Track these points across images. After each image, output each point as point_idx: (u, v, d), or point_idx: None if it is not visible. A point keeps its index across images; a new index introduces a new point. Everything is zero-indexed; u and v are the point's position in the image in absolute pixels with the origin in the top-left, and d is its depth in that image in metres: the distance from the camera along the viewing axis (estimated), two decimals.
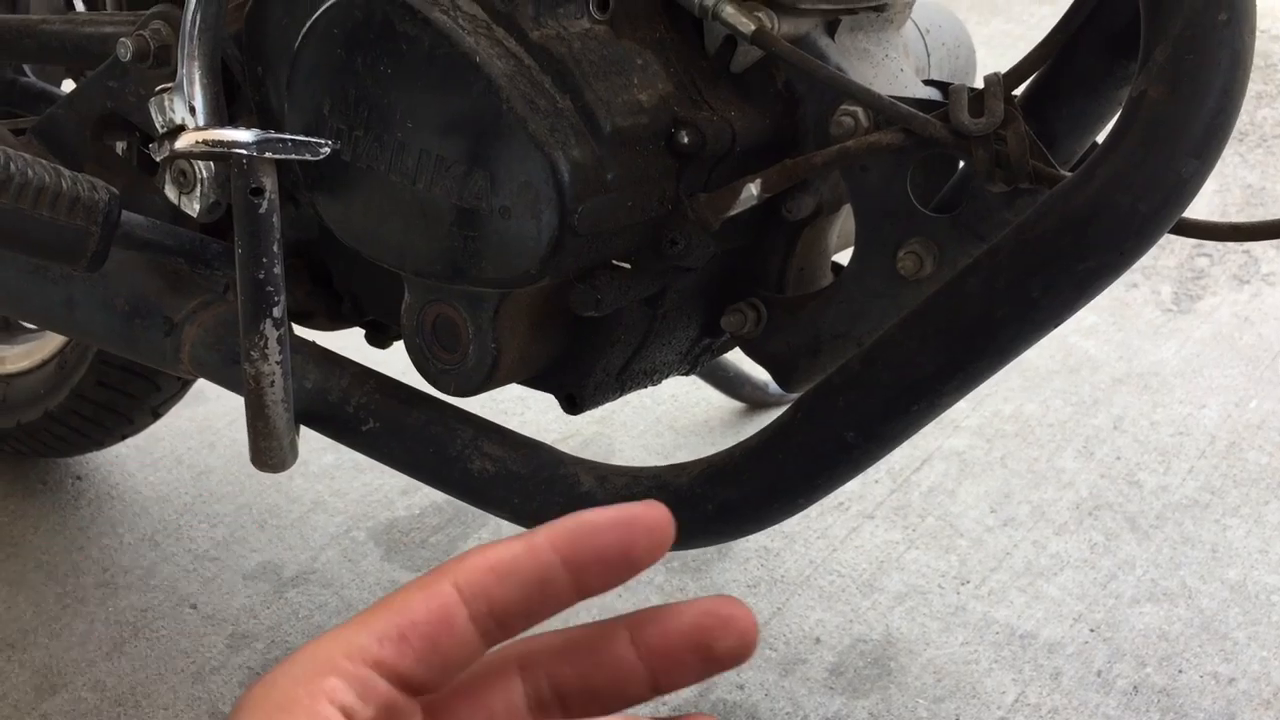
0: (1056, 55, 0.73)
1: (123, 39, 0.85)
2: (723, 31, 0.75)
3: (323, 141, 0.69)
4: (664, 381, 0.91)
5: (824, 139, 0.76)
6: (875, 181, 0.75)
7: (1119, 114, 0.64)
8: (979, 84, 0.71)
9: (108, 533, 1.35)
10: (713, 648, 0.38)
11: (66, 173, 0.73)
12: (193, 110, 0.82)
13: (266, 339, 0.71)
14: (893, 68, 0.82)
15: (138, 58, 0.86)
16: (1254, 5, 0.63)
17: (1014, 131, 0.69)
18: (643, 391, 1.46)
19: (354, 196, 0.75)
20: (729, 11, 0.72)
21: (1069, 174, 0.66)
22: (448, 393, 0.79)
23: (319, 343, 0.87)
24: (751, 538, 1.32)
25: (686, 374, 0.92)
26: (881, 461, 1.36)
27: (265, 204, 0.67)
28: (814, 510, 1.36)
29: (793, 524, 1.34)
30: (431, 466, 0.80)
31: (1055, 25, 0.73)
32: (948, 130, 0.70)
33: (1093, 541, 1.32)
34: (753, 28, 0.72)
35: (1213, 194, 2.05)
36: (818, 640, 1.20)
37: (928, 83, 0.85)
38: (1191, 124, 0.61)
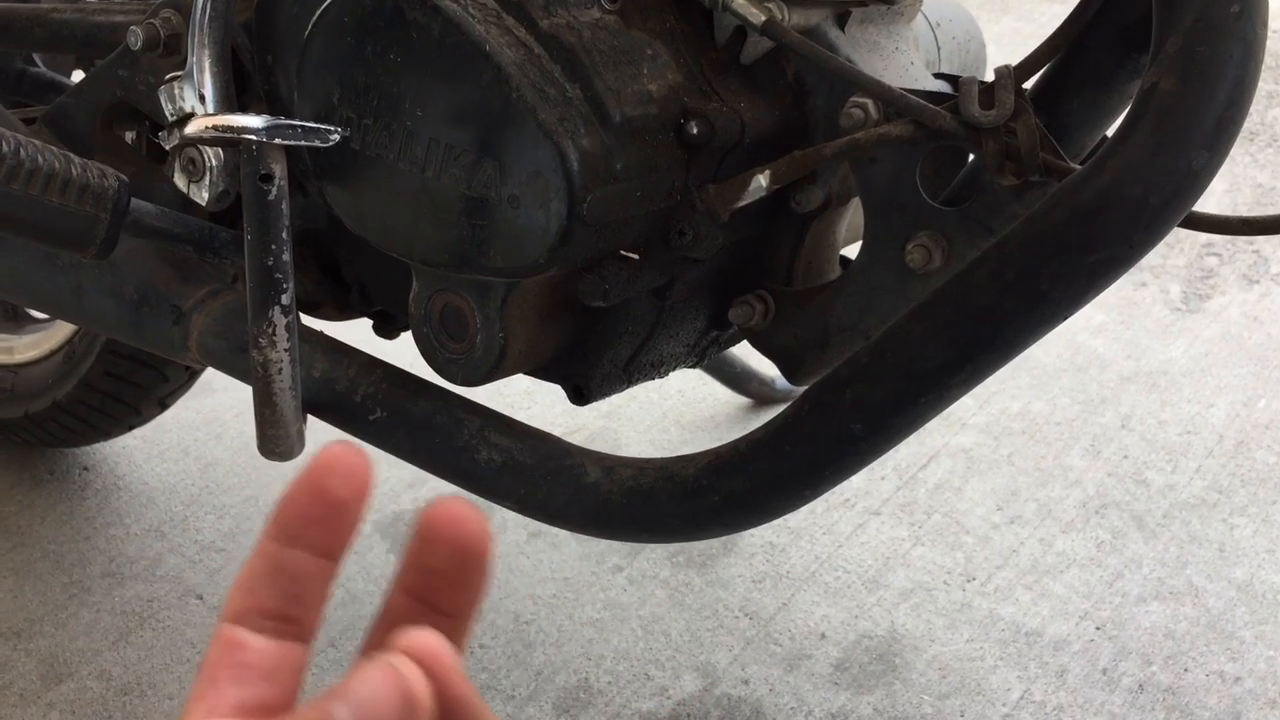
0: (1067, 48, 0.73)
1: (133, 27, 0.86)
2: (733, 22, 0.75)
3: (333, 129, 0.69)
4: (671, 375, 0.91)
5: (833, 131, 0.76)
6: (884, 174, 0.75)
7: (1130, 106, 0.63)
8: (989, 77, 0.71)
9: (115, 523, 1.36)
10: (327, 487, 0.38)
11: (76, 159, 0.73)
12: (202, 98, 0.82)
13: (275, 326, 0.71)
14: (903, 60, 0.82)
15: (148, 46, 0.86)
16: None
17: (1024, 124, 0.69)
18: (649, 386, 1.46)
19: (363, 185, 0.75)
20: (739, 2, 0.72)
21: (1079, 167, 0.66)
22: (455, 382, 0.79)
23: (327, 332, 0.88)
24: (757, 533, 1.32)
25: (694, 366, 0.92)
26: (888, 458, 1.36)
27: (275, 191, 0.67)
28: (820, 506, 1.36)
29: (798, 520, 1.34)
30: (438, 456, 0.80)
31: (1067, 18, 0.73)
32: (958, 122, 0.70)
33: (1099, 540, 1.32)
34: (763, 19, 0.72)
35: (1223, 193, 2.05)
36: (823, 636, 1.20)
37: (938, 76, 0.85)
38: (1203, 116, 0.60)
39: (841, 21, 0.79)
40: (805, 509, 1.20)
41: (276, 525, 0.39)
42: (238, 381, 0.89)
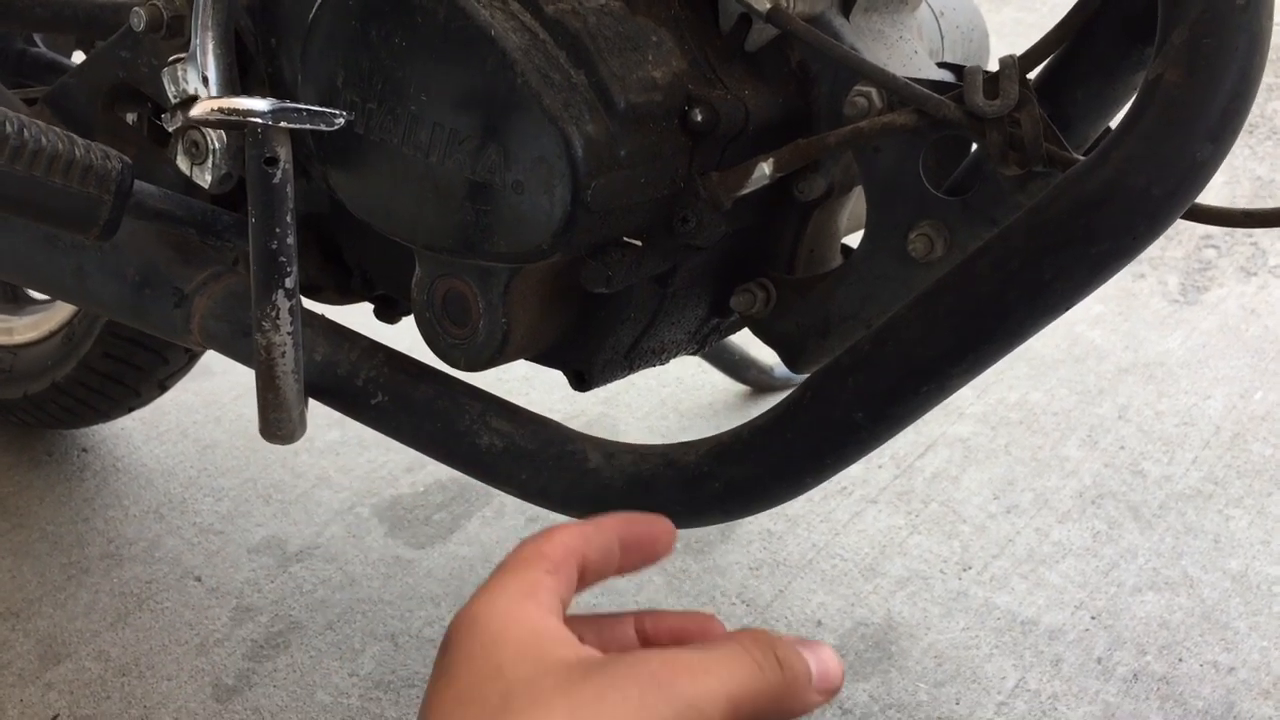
0: (1072, 38, 0.73)
1: (135, 8, 0.85)
2: (737, 9, 0.75)
3: (337, 112, 0.69)
4: (670, 362, 0.91)
5: (837, 119, 0.75)
6: (887, 163, 0.75)
7: (1135, 97, 0.63)
8: (993, 67, 0.71)
9: (113, 505, 1.36)
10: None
11: (80, 140, 0.73)
12: (206, 81, 0.82)
13: (278, 309, 0.71)
14: (907, 49, 0.82)
15: (150, 27, 0.86)
16: None
17: (1028, 114, 0.69)
18: (648, 373, 1.46)
19: (366, 169, 0.75)
20: None
21: (1082, 158, 0.66)
22: (457, 367, 0.80)
23: (328, 316, 0.88)
24: (754, 520, 1.32)
25: (694, 353, 0.92)
26: (885, 447, 1.36)
27: (279, 174, 0.67)
28: (817, 494, 1.36)
29: (796, 507, 1.34)
30: (439, 441, 0.81)
31: (1072, 8, 0.73)
32: (962, 112, 0.70)
33: (1095, 530, 1.32)
34: (768, 5, 0.72)
35: (1222, 185, 2.05)
36: (819, 623, 1.21)
37: (941, 65, 0.85)
38: (1208, 107, 0.60)
39: (846, 9, 0.79)
40: (802, 496, 1.20)
41: (622, 525, 0.54)
42: (237, 365, 0.89)
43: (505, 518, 1.33)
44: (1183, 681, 1.13)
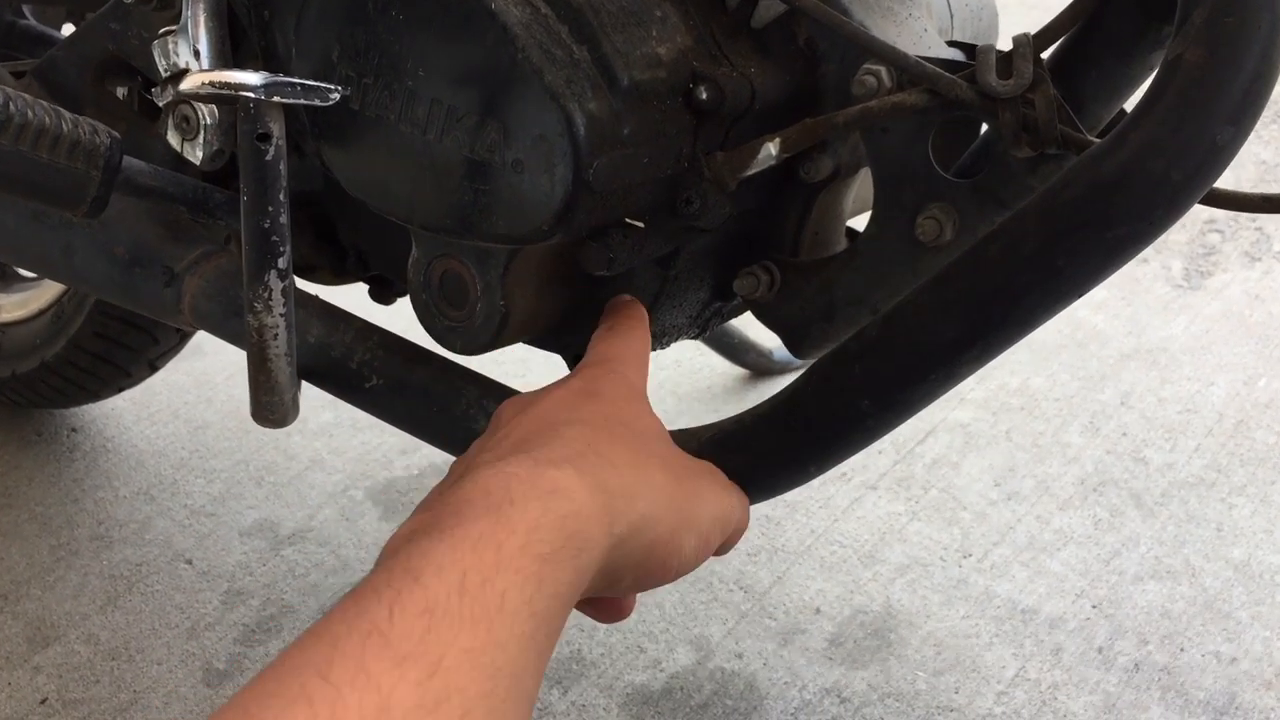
0: (1086, 17, 0.71)
1: None
2: None
3: (332, 87, 0.67)
4: (672, 344, 0.89)
5: (845, 99, 0.74)
6: (896, 144, 0.73)
7: (1153, 78, 0.62)
8: (1003, 45, 0.69)
9: (103, 485, 1.34)
10: None
11: (67, 115, 0.71)
12: (197, 54, 0.80)
13: (271, 290, 0.69)
14: (916, 27, 0.80)
15: None
16: None
17: (1042, 95, 0.67)
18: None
19: (362, 146, 0.73)
20: None
21: (1096, 140, 0.64)
22: (454, 350, 0.78)
23: (322, 297, 0.86)
24: (753, 506, 1.31)
25: (695, 337, 0.90)
26: None
27: (272, 150, 0.65)
28: (816, 480, 1.35)
29: (794, 493, 1.33)
30: (435, 425, 0.79)
31: None
32: (974, 92, 0.68)
33: (1097, 518, 1.31)
34: None
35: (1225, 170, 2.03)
36: (817, 610, 1.19)
37: (951, 44, 0.83)
38: (1229, 89, 0.59)
39: None
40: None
41: None
42: (229, 345, 0.87)
43: None
44: (1184, 672, 1.12)
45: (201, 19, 0.79)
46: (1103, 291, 1.72)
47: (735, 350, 1.47)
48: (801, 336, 0.82)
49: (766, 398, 0.73)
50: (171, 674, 1.11)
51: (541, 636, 0.49)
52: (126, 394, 1.40)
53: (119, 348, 1.24)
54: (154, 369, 1.31)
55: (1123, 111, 0.75)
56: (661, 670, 1.12)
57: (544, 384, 0.68)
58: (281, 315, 0.70)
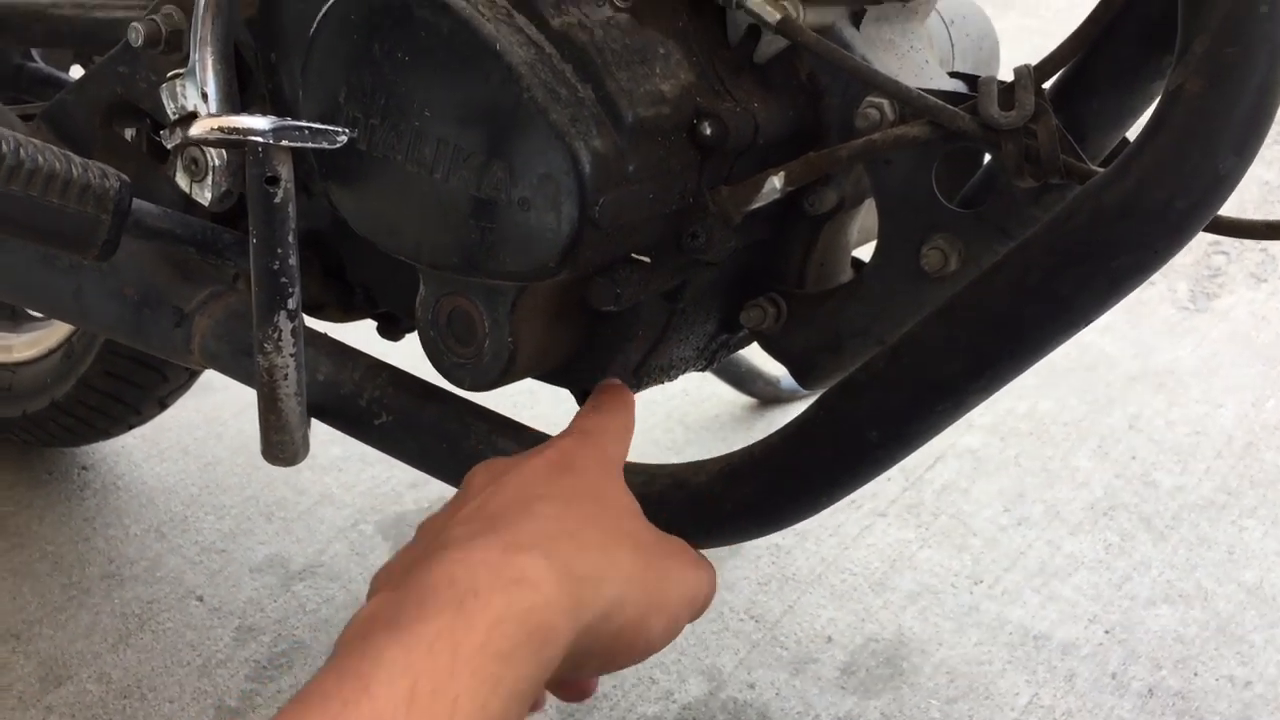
0: (1088, 47, 0.72)
1: (134, 23, 0.84)
2: (746, 20, 0.73)
3: (340, 130, 0.68)
4: (680, 377, 0.90)
5: (848, 132, 0.74)
6: (899, 175, 0.74)
7: (1155, 107, 0.62)
8: (1004, 76, 0.70)
9: (114, 524, 1.34)
10: None
11: (77, 159, 0.72)
12: (205, 97, 0.80)
13: (281, 331, 0.69)
14: (918, 59, 0.81)
15: (149, 43, 0.85)
16: None
17: (1044, 125, 0.67)
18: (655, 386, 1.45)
19: (369, 186, 0.73)
20: (754, 1, 0.71)
21: (1099, 169, 0.65)
22: (462, 387, 0.78)
23: (330, 334, 0.86)
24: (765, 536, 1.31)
25: (703, 370, 0.91)
26: None
27: (281, 193, 0.65)
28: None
29: (804, 522, 1.33)
30: (446, 462, 0.79)
31: (1088, 16, 0.71)
32: (976, 123, 0.68)
33: (1108, 542, 1.31)
34: (778, 17, 0.71)
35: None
36: (829, 639, 1.19)
37: (953, 75, 0.84)
38: (1231, 119, 0.59)
39: (856, 20, 0.78)
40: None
41: None
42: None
43: None
44: (1198, 696, 1.11)
45: (209, 62, 0.79)
46: (1109, 315, 1.71)
47: (743, 379, 1.47)
48: (809, 368, 0.82)
49: (774, 427, 0.73)
50: (184, 712, 1.11)
51: None
52: (136, 431, 1.40)
53: (129, 386, 1.25)
54: (164, 406, 1.31)
55: (1125, 140, 0.75)
56: (674, 701, 1.12)
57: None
58: (291, 355, 0.70)
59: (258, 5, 0.81)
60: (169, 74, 0.83)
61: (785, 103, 0.75)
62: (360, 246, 0.82)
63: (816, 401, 0.71)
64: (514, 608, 0.51)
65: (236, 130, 0.63)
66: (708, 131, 0.71)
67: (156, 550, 1.30)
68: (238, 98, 0.81)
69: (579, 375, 0.81)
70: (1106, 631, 1.19)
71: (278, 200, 0.65)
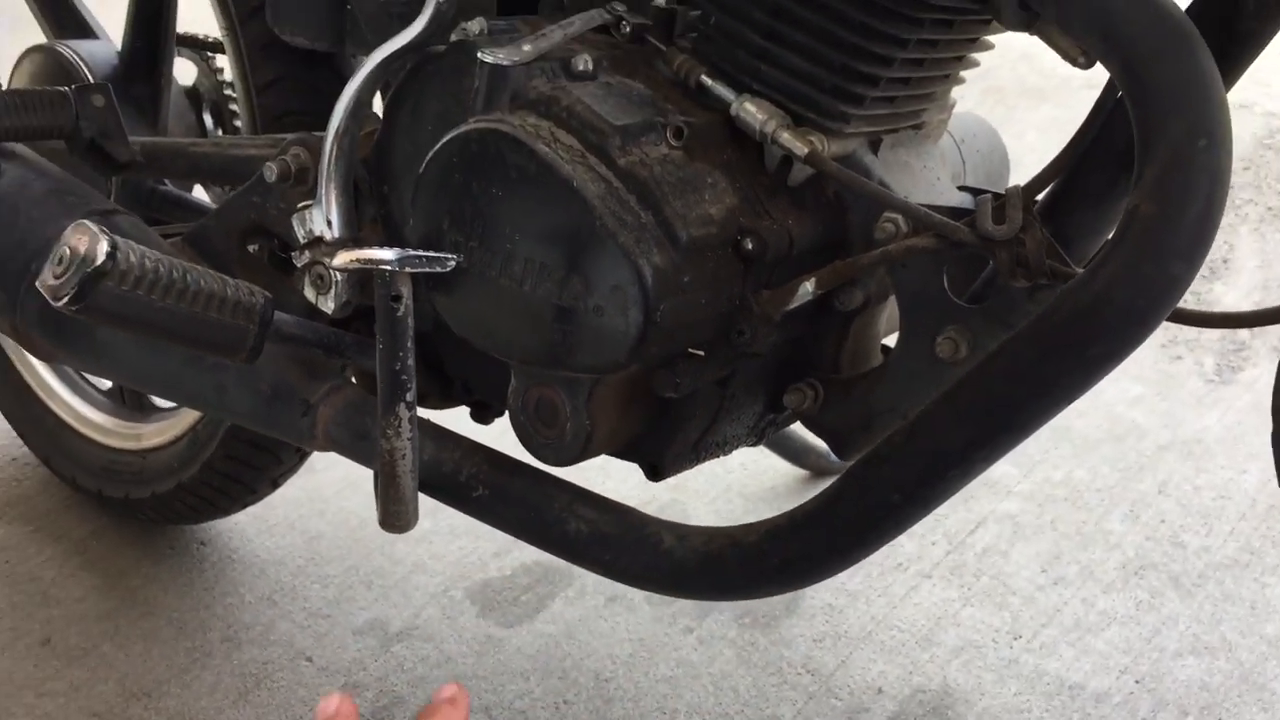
0: (1069, 168, 0.85)
1: (268, 163, 1.00)
2: (780, 153, 0.87)
3: (450, 256, 0.83)
4: (734, 451, 1.03)
5: (869, 242, 0.88)
6: (915, 277, 0.87)
7: (1118, 223, 0.75)
8: (1013, 182, 0.83)
9: (230, 592, 1.49)
10: None
11: (230, 280, 0.87)
12: (329, 224, 0.96)
13: (400, 420, 0.84)
14: (930, 177, 0.94)
15: (281, 178, 1.01)
16: (1230, 129, 0.74)
17: (1032, 236, 0.80)
18: (714, 461, 1.58)
19: (468, 297, 0.88)
20: (785, 137, 0.85)
21: (1081, 271, 0.77)
22: (548, 463, 0.92)
23: (432, 420, 1.01)
24: (817, 595, 1.42)
25: (754, 445, 1.04)
26: (937, 524, 1.47)
27: (402, 309, 0.80)
28: (875, 570, 1.46)
29: (855, 583, 1.44)
30: (533, 528, 0.93)
31: (1068, 143, 0.85)
32: (975, 235, 0.81)
33: (1138, 599, 1.41)
34: (806, 150, 0.85)
35: (1255, 269, 2.14)
36: (880, 690, 1.30)
37: (962, 188, 0.97)
38: (1178, 234, 0.71)
39: (875, 147, 0.92)
40: (861, 573, 1.31)
41: None
42: (337, 461, 1.01)
43: (586, 597, 1.45)
44: None
45: (333, 195, 0.95)
46: (1139, 387, 1.82)
47: (796, 453, 1.59)
48: (845, 441, 0.95)
49: None
50: None
51: None
52: (248, 509, 1.55)
53: (247, 468, 1.40)
54: (276, 486, 1.46)
55: (1106, 243, 0.88)
56: None
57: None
58: (409, 439, 0.85)
59: (373, 147, 0.97)
60: (299, 205, 0.99)
61: (815, 219, 0.89)
62: (458, 345, 0.96)
63: (846, 472, 0.83)
64: None
65: (371, 261, 0.78)
66: (750, 246, 0.85)
67: (269, 616, 1.45)
68: (356, 224, 0.97)
69: (646, 451, 0.95)
70: (1137, 681, 1.29)
71: (400, 314, 0.80)
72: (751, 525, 0.88)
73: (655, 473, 0.94)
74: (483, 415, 1.08)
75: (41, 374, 1.60)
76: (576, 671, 1.34)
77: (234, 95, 1.30)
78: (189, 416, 1.43)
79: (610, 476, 1.63)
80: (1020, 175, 0.93)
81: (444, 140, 0.86)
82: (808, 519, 0.84)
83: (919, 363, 0.88)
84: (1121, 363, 0.76)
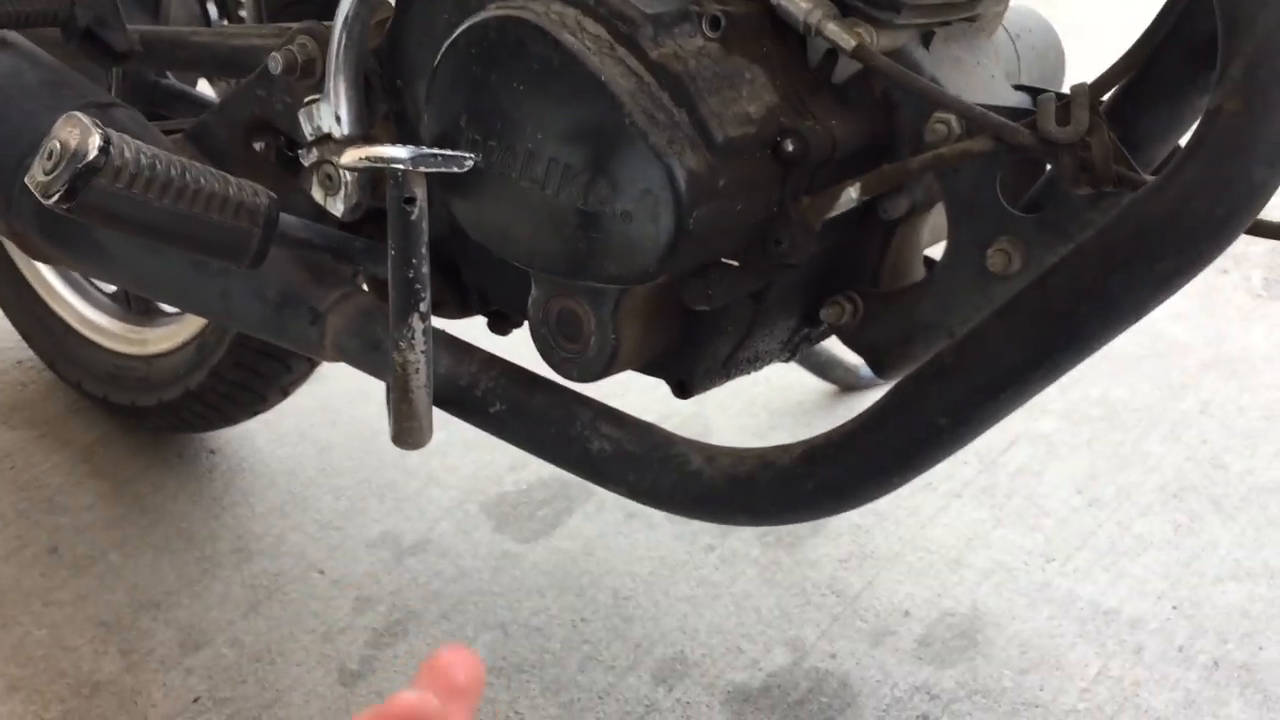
0: (1140, 65, 0.78)
1: (273, 54, 0.94)
2: (825, 46, 0.81)
3: (467, 155, 0.77)
4: (764, 368, 0.98)
5: (919, 144, 0.81)
6: (967, 183, 0.81)
7: (1197, 125, 0.69)
8: (1068, 84, 0.76)
9: (240, 502, 1.46)
10: None
11: (233, 179, 0.82)
12: (338, 119, 0.90)
13: (413, 331, 0.79)
14: (984, 75, 0.87)
15: (286, 70, 0.94)
16: None
17: (1098, 139, 0.74)
18: None
19: (487, 200, 0.82)
20: (831, 29, 0.78)
21: (1151, 178, 0.71)
22: (570, 379, 0.87)
23: (448, 331, 0.95)
24: (844, 515, 1.37)
25: (786, 361, 0.98)
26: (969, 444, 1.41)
27: (416, 212, 0.75)
28: (904, 489, 1.40)
29: (883, 502, 1.39)
30: (554, 446, 0.88)
31: (1139, 37, 0.78)
32: (1035, 138, 0.75)
33: (1177, 523, 1.36)
34: (853, 43, 0.78)
35: None
36: (907, 613, 1.26)
37: (1018, 88, 0.90)
38: (1265, 135, 0.65)
39: (926, 40, 0.85)
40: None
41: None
42: (348, 370, 0.96)
43: (605, 512, 1.41)
44: (1263, 669, 1.17)
45: (342, 89, 0.89)
46: (1183, 302, 1.75)
47: (824, 367, 1.54)
48: (884, 359, 0.89)
49: (852, 412, 0.80)
50: (310, 675, 1.22)
51: None
52: (258, 417, 1.51)
53: (256, 376, 1.36)
54: (286, 394, 1.42)
55: (1178, 148, 0.82)
56: (760, 669, 1.20)
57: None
58: (422, 352, 0.80)
59: (385, 36, 0.91)
60: (306, 99, 0.92)
61: (861, 119, 0.83)
62: (476, 252, 0.91)
63: (890, 390, 0.78)
64: None
65: (381, 159, 0.72)
66: (790, 148, 0.79)
67: (280, 527, 1.41)
68: (367, 120, 0.91)
69: (674, 367, 0.89)
70: (1174, 607, 1.25)
71: (414, 218, 0.75)
72: (786, 446, 0.83)
73: (683, 389, 0.89)
74: (501, 326, 1.03)
75: (45, 275, 1.55)
76: (595, 589, 1.31)
77: None
78: (196, 322, 1.39)
79: (630, 389, 1.59)
80: (1071, 77, 0.86)
81: (461, 28, 0.80)
82: (847, 441, 0.79)
83: (967, 276, 0.83)
84: (1194, 278, 0.70)
